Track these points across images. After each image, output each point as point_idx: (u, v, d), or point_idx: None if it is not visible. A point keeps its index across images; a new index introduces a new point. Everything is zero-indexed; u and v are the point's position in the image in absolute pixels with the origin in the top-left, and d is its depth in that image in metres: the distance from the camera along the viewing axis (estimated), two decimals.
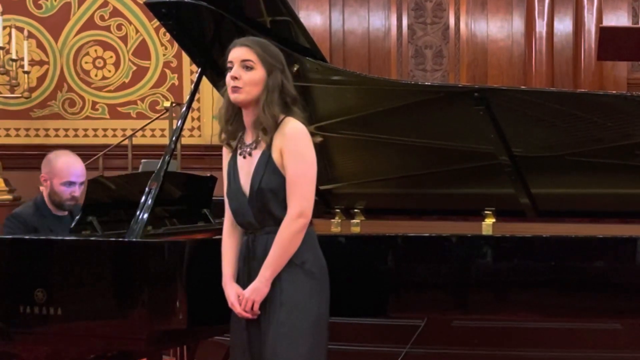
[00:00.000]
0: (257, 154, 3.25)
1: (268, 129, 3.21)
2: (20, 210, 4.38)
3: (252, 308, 3.21)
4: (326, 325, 3.30)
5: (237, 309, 3.22)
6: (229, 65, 3.24)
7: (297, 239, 3.20)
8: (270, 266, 3.19)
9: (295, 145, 3.20)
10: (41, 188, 4.34)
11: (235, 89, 3.20)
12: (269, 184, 3.20)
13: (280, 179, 3.21)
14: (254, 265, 3.25)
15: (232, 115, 3.31)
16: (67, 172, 4.26)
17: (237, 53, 3.24)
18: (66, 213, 4.32)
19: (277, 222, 3.21)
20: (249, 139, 3.30)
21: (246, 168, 3.27)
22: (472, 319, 4.61)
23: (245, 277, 3.28)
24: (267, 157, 3.22)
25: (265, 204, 3.22)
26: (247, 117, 3.28)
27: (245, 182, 3.27)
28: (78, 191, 4.29)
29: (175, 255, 3.50)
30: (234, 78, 3.20)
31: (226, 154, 3.39)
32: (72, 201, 4.28)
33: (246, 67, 3.21)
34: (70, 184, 4.25)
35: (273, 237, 3.21)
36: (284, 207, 3.21)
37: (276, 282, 3.20)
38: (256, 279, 3.20)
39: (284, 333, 3.17)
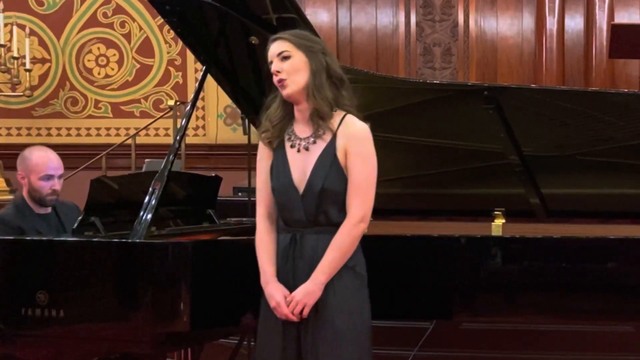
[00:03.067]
0: (315, 150, 3.15)
1: (325, 114, 3.12)
2: (2, 214, 4.31)
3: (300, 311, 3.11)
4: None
5: (284, 310, 3.10)
6: (270, 65, 3.16)
7: (355, 244, 3.13)
8: (327, 270, 3.08)
9: (363, 148, 3.12)
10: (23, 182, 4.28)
11: (281, 82, 3.12)
12: (333, 186, 3.11)
13: (344, 181, 3.12)
14: (299, 263, 3.14)
15: (282, 117, 3.22)
16: (43, 165, 4.21)
17: (272, 50, 3.17)
18: (49, 210, 4.26)
19: (330, 222, 3.13)
20: (303, 131, 3.19)
21: (300, 163, 3.17)
22: (481, 322, 4.58)
23: (290, 276, 3.16)
24: (331, 156, 3.12)
25: (322, 204, 3.12)
26: (301, 110, 3.18)
27: (300, 178, 3.16)
28: (58, 184, 4.22)
29: (179, 256, 3.46)
30: (277, 73, 3.13)
31: (263, 148, 3.27)
32: (53, 195, 4.21)
33: (284, 57, 3.13)
34: (49, 177, 4.19)
35: (324, 237, 3.12)
36: (340, 209, 3.13)
37: (328, 285, 3.10)
38: (309, 282, 3.09)
39: (343, 338, 3.09)
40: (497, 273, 3.63)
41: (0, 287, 3.61)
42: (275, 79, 3.14)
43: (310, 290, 3.07)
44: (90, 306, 3.48)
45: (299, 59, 3.12)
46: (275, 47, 3.16)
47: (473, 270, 3.62)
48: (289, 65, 3.11)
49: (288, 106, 3.20)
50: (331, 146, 3.12)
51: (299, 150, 3.17)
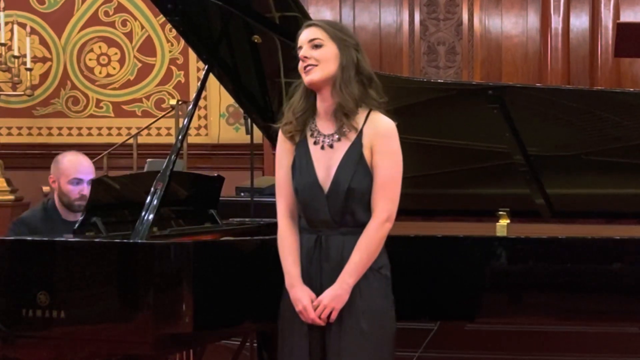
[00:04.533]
0: (341, 147, 3.08)
1: (350, 112, 3.05)
2: (27, 214, 4.30)
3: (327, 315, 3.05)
4: None
5: (310, 314, 3.04)
6: (298, 50, 3.09)
7: (381, 244, 3.07)
8: (355, 273, 3.02)
9: (390, 146, 3.07)
10: (45, 188, 4.27)
11: (309, 67, 3.04)
12: (360, 185, 3.04)
13: (370, 179, 3.05)
14: (326, 267, 3.08)
15: (305, 109, 3.13)
16: (73, 169, 4.19)
17: (305, 35, 3.08)
18: (78, 217, 4.22)
19: (356, 223, 3.06)
20: (326, 128, 3.11)
21: (325, 160, 3.09)
22: (486, 323, 4.56)
23: (315, 279, 3.09)
24: (358, 154, 3.05)
25: (349, 204, 3.05)
26: (324, 103, 3.10)
27: (325, 176, 3.08)
28: (87, 190, 4.17)
29: (181, 256, 3.42)
30: (305, 59, 3.05)
31: (284, 143, 3.19)
32: (81, 201, 4.17)
33: (315, 45, 3.05)
34: (78, 181, 4.18)
35: (350, 238, 3.05)
36: (366, 209, 3.06)
37: (354, 287, 3.04)
38: (336, 285, 3.03)
39: (370, 342, 3.04)
40: (502, 274, 3.60)
41: (1, 288, 3.57)
42: (301, 64, 3.07)
43: (337, 294, 3.01)
44: (91, 307, 3.45)
45: (330, 49, 3.05)
46: (308, 33, 3.08)
47: (477, 271, 3.58)
48: (318, 54, 3.04)
49: (311, 98, 3.13)
50: (357, 144, 3.06)
51: (322, 148, 3.10)
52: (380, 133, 3.06)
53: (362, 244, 3.02)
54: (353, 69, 3.06)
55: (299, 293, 3.06)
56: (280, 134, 3.21)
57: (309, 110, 3.14)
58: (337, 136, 3.09)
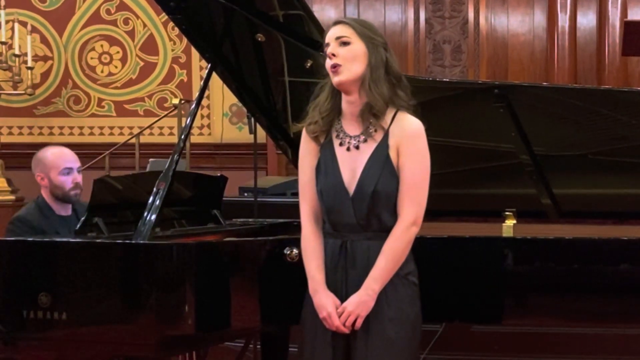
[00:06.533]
0: (367, 148, 3.01)
1: (379, 111, 2.98)
2: (24, 213, 4.27)
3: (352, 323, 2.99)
4: None
5: (335, 322, 2.97)
6: (326, 48, 3.03)
7: (408, 249, 3.00)
8: (381, 279, 2.95)
9: (416, 146, 3.00)
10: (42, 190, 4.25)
11: (335, 67, 2.98)
12: (386, 187, 2.97)
13: (396, 182, 2.98)
14: (351, 273, 3.01)
15: (331, 109, 3.07)
16: (61, 160, 4.21)
17: (332, 32, 3.03)
18: (69, 212, 4.25)
19: (382, 227, 3.00)
20: (352, 129, 3.05)
21: (350, 162, 3.03)
22: (492, 325, 4.55)
23: (340, 286, 3.03)
24: (384, 155, 2.98)
25: (375, 207, 2.98)
26: (351, 103, 3.04)
27: (350, 179, 3.01)
28: (79, 177, 4.24)
29: (184, 257, 3.41)
30: (332, 56, 2.99)
31: (308, 143, 3.13)
32: (76, 189, 4.22)
33: (343, 42, 2.99)
34: (69, 171, 4.20)
35: (375, 243, 2.99)
36: (393, 212, 3.00)
37: (381, 295, 2.98)
38: (362, 292, 2.96)
39: (397, 350, 2.97)
40: (508, 275, 3.55)
41: (2, 289, 3.56)
42: (328, 63, 3.01)
43: (363, 300, 2.94)
44: (93, 308, 3.43)
45: (358, 47, 2.99)
46: (336, 31, 3.02)
47: (482, 272, 3.54)
48: (346, 51, 2.98)
49: (337, 98, 3.07)
50: (383, 145, 2.99)
51: (348, 149, 3.04)
52: (407, 133, 2.99)
53: (387, 248, 2.96)
54: (382, 68, 3.00)
55: (323, 299, 2.99)
56: (304, 134, 3.15)
57: (335, 110, 3.08)
58: (363, 137, 3.02)
